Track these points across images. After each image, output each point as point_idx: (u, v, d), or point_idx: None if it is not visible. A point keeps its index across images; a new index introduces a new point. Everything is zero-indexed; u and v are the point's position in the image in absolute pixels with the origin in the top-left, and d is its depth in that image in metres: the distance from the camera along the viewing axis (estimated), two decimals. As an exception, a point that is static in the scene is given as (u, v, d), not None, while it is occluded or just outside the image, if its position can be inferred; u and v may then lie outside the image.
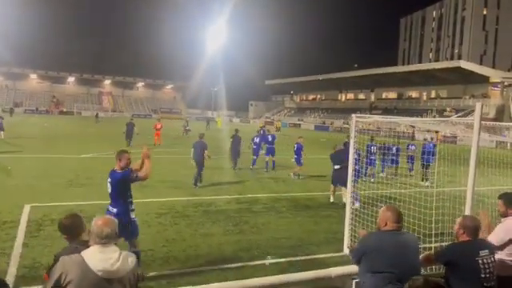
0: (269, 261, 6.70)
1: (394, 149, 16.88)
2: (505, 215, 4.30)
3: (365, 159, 14.20)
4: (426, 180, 14.31)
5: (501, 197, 4.39)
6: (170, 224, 8.94)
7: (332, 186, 11.92)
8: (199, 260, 6.89)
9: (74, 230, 3.46)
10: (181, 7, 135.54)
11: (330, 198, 11.89)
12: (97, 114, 58.81)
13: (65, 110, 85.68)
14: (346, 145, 11.44)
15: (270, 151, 17.97)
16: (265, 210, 10.58)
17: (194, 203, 10.93)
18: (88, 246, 2.98)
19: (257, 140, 18.55)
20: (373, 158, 16.02)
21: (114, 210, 6.06)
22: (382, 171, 17.01)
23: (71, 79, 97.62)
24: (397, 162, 17.31)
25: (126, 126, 26.09)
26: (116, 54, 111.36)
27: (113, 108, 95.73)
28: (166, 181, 14.11)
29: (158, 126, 27.72)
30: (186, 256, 7.06)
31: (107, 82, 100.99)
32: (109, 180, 6.13)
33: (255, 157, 18.17)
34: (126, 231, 5.73)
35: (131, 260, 2.96)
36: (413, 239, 3.95)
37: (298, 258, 7.14)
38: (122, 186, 6.06)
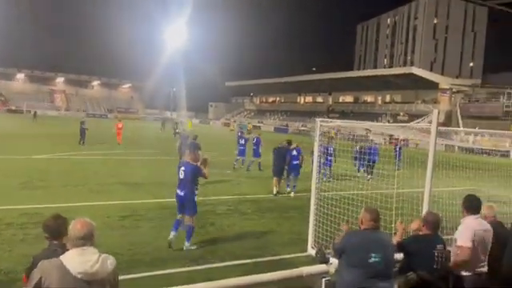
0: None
1: (372, 149, 17.77)
2: (463, 217, 4.71)
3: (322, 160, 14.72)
4: (370, 174, 15.97)
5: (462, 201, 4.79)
6: (134, 227, 8.79)
7: (275, 179, 13.49)
8: (165, 263, 6.83)
9: (55, 231, 3.43)
10: (139, 5, 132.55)
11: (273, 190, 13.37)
12: (35, 113, 55.51)
13: (13, 107, 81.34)
14: (286, 145, 14.21)
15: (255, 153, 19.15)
16: (229, 212, 10.63)
17: (158, 206, 10.79)
18: (66, 250, 2.94)
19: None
20: (330, 158, 16.57)
21: (182, 192, 7.59)
22: (359, 170, 18.04)
23: (20, 76, 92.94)
24: (373, 161, 17.99)
25: (80, 125, 25.75)
26: (70, 52, 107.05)
27: (66, 107, 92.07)
28: (128, 183, 13.82)
29: (120, 126, 27.85)
30: (152, 259, 6.98)
31: (60, 79, 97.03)
32: (182, 168, 7.64)
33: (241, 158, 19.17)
34: (188, 209, 7.60)
35: (110, 262, 2.94)
36: (387, 237, 4.34)
37: (263, 259, 7.24)
38: (193, 175, 7.64)
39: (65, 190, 12.07)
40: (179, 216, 7.75)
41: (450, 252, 4.44)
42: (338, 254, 4.03)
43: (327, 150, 17.02)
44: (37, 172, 14.71)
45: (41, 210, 9.48)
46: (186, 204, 7.58)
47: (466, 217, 4.57)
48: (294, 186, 13.64)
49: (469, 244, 4.30)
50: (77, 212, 9.52)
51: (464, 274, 4.39)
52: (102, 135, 27.98)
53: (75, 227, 2.94)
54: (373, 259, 3.78)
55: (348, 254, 3.89)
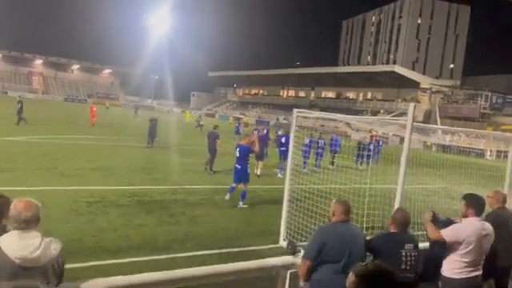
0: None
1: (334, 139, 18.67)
2: (465, 216, 4.31)
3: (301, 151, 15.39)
4: (333, 164, 17.50)
5: (463, 198, 4.39)
6: (102, 213, 8.51)
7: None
8: (130, 251, 6.61)
9: None
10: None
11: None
12: (6, 93, 52.92)
13: (-12, 88, 78.89)
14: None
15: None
16: (203, 202, 10.43)
17: (128, 193, 10.50)
18: (5, 231, 2.69)
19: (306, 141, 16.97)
20: (320, 151, 17.71)
21: (239, 166, 10.49)
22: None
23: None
24: (335, 151, 18.92)
25: (18, 104, 25.42)
26: (51, 34, 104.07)
27: (43, 90, 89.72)
28: (98, 168, 13.48)
29: (94, 109, 31.76)
30: (117, 246, 6.75)
31: (38, 61, 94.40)
32: (238, 149, 10.65)
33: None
34: (244, 178, 10.44)
35: (54, 247, 2.69)
36: (358, 229, 4.23)
37: (234, 250, 7.10)
38: (246, 153, 10.59)
39: (34, 174, 11.66)
40: (234, 184, 10.59)
41: (419, 253, 4.10)
42: (318, 249, 3.81)
43: (318, 143, 17.60)
44: (6, 154, 14.19)
45: (6, 192, 9.10)
46: (242, 175, 10.43)
47: (470, 217, 4.23)
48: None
49: (447, 239, 4.11)
50: (44, 196, 9.19)
51: (456, 277, 4.13)
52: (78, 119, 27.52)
53: (17, 207, 2.68)
54: (348, 253, 3.71)
55: (325, 249, 3.76)
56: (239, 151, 10.58)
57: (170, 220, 8.49)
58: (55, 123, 29.21)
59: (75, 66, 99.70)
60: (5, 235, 2.64)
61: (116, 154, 17.30)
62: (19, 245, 2.57)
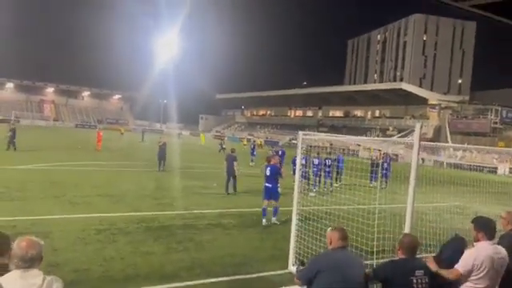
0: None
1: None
2: (476, 240, 4.16)
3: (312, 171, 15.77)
4: (339, 181, 17.70)
5: (473, 221, 4.25)
6: (109, 241, 8.45)
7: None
8: (138, 280, 6.52)
9: None
10: (132, 16, 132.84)
11: None
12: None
13: (1, 117, 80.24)
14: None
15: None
16: (210, 227, 10.32)
17: (136, 219, 10.45)
18: (7, 271, 2.66)
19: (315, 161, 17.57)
20: (328, 170, 17.64)
21: (270, 185, 11.07)
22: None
23: (9, 85, 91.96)
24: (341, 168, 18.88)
25: (9, 132, 25.68)
26: (61, 62, 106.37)
27: (55, 117, 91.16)
28: (107, 195, 13.48)
29: (101, 134, 32.40)
30: (125, 276, 6.67)
31: (50, 89, 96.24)
32: (268, 168, 11.25)
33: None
34: (274, 196, 11.05)
35: (57, 286, 2.68)
36: (356, 256, 4.23)
37: (241, 277, 6.96)
38: (275, 172, 11.19)
39: (43, 202, 11.70)
40: (265, 203, 10.99)
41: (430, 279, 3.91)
42: (309, 278, 3.81)
43: (325, 163, 17.68)
44: (15, 183, 14.29)
45: (16, 222, 9.17)
46: (273, 193, 11.03)
47: (482, 241, 4.08)
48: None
49: (465, 272, 3.94)
50: (52, 225, 9.23)
51: None
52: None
53: (20, 246, 2.67)
54: (344, 278, 3.65)
55: (320, 277, 3.70)
56: (270, 170, 11.23)
57: (178, 247, 8.39)
58: (64, 150, 29.48)
59: (85, 93, 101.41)
60: (6, 275, 2.61)
61: (123, 180, 17.33)
62: (22, 284, 2.54)
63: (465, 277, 4.02)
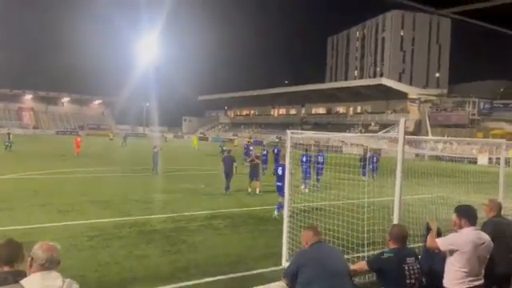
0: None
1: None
2: (460, 227, 4.31)
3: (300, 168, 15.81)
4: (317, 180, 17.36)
5: (455, 210, 4.41)
6: (102, 247, 8.46)
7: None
8: (135, 283, 6.59)
9: (5, 258, 2.95)
10: (110, 19, 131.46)
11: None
12: None
13: (-23, 126, 78.39)
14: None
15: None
16: (202, 228, 10.41)
17: (128, 223, 10.47)
18: (23, 277, 2.75)
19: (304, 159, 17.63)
20: (321, 167, 17.46)
21: (281, 183, 10.93)
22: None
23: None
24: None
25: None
26: (38, 68, 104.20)
27: (35, 125, 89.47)
28: (94, 201, 13.41)
29: (79, 140, 33.49)
30: (121, 279, 6.72)
31: (28, 96, 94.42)
32: (280, 168, 11.76)
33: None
34: (281, 192, 10.64)
35: (75, 287, 2.80)
36: (335, 248, 4.50)
37: (237, 275, 7.08)
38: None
39: (30, 211, 11.59)
40: (280, 199, 10.94)
41: (421, 265, 4.18)
42: (293, 275, 3.97)
43: (317, 158, 17.86)
44: (0, 193, 14.10)
45: (6, 232, 9.06)
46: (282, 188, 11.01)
47: (465, 227, 4.25)
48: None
49: (442, 247, 4.16)
50: (43, 233, 9.17)
51: None
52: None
53: (44, 249, 2.80)
54: (326, 270, 3.84)
55: (302, 272, 3.87)
56: (281, 169, 11.48)
57: (171, 249, 8.47)
58: (45, 157, 29.05)
59: (65, 99, 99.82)
60: (27, 278, 2.71)
61: (109, 185, 17.25)
62: (43, 285, 2.65)
63: (448, 259, 4.20)
